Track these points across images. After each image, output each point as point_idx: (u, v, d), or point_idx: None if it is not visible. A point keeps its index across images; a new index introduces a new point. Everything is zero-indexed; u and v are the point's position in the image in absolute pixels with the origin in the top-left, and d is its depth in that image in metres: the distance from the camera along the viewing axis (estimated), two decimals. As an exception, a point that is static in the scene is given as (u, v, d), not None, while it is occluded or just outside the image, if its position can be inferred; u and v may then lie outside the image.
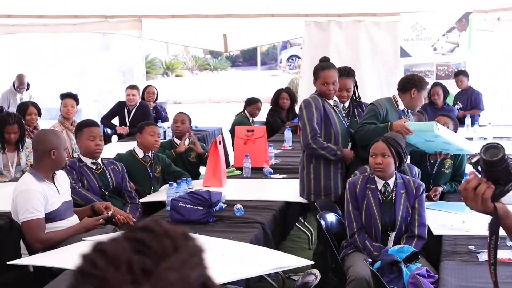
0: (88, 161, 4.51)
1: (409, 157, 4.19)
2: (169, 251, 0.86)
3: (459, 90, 8.77)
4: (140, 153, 5.13)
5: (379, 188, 3.75)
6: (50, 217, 3.72)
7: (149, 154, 5.18)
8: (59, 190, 3.83)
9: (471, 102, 8.69)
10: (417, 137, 4.47)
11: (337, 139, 4.53)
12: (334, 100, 4.64)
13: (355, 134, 4.64)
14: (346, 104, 4.98)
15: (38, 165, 3.80)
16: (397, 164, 3.76)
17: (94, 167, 4.52)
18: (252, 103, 8.16)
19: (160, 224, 0.89)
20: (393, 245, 3.61)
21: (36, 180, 3.72)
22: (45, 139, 3.85)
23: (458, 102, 8.71)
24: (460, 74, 8.78)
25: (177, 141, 5.90)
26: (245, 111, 8.12)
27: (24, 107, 6.73)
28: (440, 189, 4.68)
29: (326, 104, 4.54)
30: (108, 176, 4.55)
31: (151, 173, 5.15)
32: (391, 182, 3.76)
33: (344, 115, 4.72)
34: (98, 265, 0.84)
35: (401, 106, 4.70)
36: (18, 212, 3.67)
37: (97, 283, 0.83)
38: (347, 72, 4.91)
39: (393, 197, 3.73)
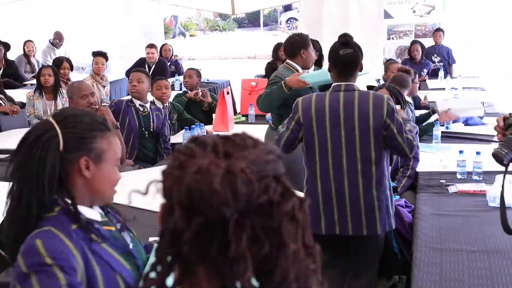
0: (137, 102, 4.39)
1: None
2: (249, 146, 0.90)
3: (432, 45, 8.50)
4: (158, 104, 5.01)
5: None
6: None
7: (166, 104, 5.13)
8: None
9: (443, 56, 8.49)
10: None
11: None
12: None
13: (257, 105, 3.88)
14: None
15: None
16: None
17: (141, 109, 4.39)
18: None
19: (247, 135, 0.93)
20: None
21: None
22: (68, 89, 3.95)
23: (435, 55, 8.53)
24: (439, 30, 8.57)
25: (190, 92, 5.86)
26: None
27: (58, 62, 6.53)
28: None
29: None
30: (151, 120, 4.42)
31: (169, 120, 5.11)
32: None
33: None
34: (188, 146, 0.90)
35: (300, 69, 3.88)
36: None
37: (185, 158, 0.87)
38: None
39: None
